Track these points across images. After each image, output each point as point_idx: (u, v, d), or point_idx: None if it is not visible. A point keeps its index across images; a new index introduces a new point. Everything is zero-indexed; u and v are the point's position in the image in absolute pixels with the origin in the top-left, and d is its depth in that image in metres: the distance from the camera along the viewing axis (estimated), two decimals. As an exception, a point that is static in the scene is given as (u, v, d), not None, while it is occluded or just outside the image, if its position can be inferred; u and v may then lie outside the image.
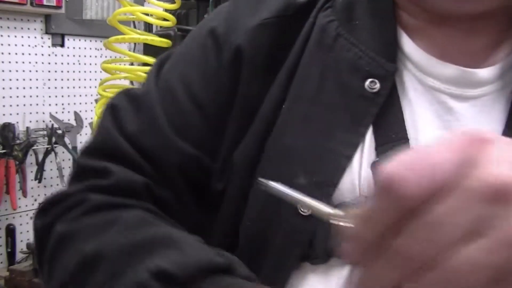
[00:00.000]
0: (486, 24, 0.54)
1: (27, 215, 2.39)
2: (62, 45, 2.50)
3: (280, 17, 0.57)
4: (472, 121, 0.54)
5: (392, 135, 0.53)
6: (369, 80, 0.53)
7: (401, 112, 0.54)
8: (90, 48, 2.62)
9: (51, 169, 2.44)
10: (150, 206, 0.54)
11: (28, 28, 2.38)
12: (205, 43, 0.59)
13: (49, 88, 2.46)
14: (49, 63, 2.46)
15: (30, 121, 2.39)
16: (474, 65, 0.55)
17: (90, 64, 2.62)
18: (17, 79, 2.35)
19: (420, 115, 0.54)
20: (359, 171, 0.52)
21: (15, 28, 2.34)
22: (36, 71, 2.42)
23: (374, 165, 0.52)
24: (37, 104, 2.42)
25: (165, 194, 0.55)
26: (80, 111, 2.52)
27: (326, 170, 0.52)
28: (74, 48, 2.56)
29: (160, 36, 2.01)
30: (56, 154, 2.40)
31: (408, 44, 0.56)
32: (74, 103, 2.56)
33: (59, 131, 2.40)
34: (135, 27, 2.35)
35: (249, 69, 0.56)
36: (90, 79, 2.62)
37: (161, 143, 0.56)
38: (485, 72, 0.54)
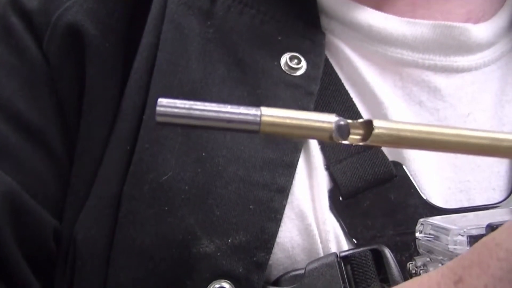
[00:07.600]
0: None
1: None
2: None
3: None
4: (470, 107, 0.37)
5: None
6: (287, 55, 0.35)
7: (353, 104, 0.36)
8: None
9: None
10: None
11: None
12: (9, 26, 0.37)
13: None
14: None
15: None
16: (461, 19, 0.37)
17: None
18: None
19: (389, 106, 0.36)
20: (315, 215, 0.34)
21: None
22: None
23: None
24: None
25: None
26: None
27: (248, 222, 0.32)
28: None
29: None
30: None
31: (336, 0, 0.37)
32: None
33: None
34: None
35: (96, 59, 0.36)
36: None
37: None
38: (483, 29, 0.36)
